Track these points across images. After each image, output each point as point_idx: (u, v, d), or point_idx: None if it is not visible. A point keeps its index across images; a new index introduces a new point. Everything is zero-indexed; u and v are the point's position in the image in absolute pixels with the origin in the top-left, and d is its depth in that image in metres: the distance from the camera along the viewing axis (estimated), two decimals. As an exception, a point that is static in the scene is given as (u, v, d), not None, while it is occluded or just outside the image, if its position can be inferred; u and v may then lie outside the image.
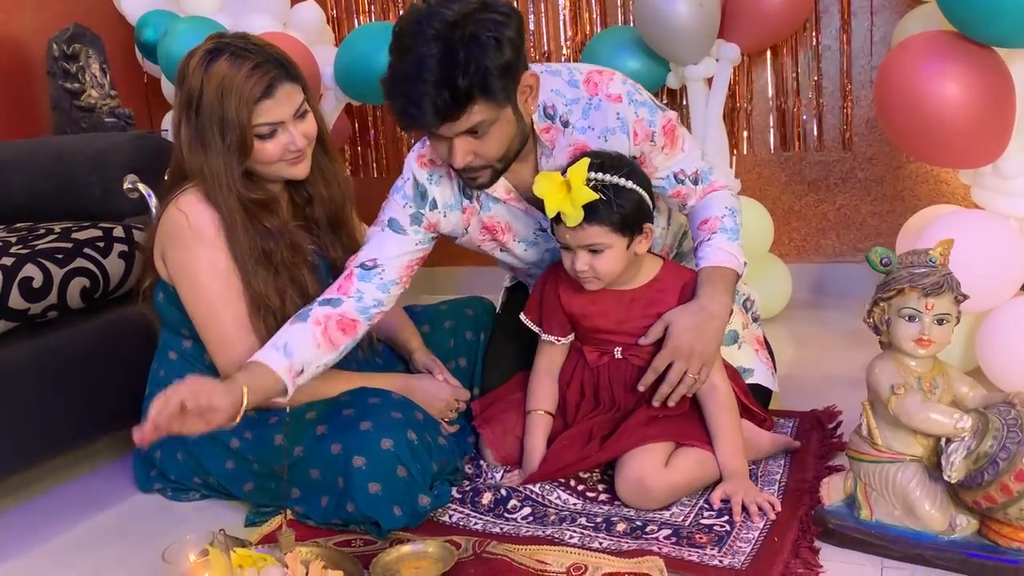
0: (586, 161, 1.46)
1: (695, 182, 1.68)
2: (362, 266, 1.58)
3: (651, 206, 1.54)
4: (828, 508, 1.39)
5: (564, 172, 1.47)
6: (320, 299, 1.55)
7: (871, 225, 2.76)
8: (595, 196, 1.44)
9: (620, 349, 1.60)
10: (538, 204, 1.53)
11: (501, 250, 1.75)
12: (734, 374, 1.67)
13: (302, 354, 1.46)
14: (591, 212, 1.45)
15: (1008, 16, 1.61)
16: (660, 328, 1.54)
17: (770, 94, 2.77)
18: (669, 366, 1.52)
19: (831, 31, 2.68)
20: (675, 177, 1.66)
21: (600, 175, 1.47)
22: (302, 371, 1.46)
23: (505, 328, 1.86)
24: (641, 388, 1.55)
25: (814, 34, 2.69)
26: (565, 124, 1.57)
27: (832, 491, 1.40)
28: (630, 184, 1.49)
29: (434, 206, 1.62)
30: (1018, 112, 1.79)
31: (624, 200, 1.48)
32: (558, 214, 1.47)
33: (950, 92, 1.71)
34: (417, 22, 1.39)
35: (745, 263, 1.63)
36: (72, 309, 1.79)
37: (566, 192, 1.45)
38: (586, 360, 1.62)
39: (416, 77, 1.37)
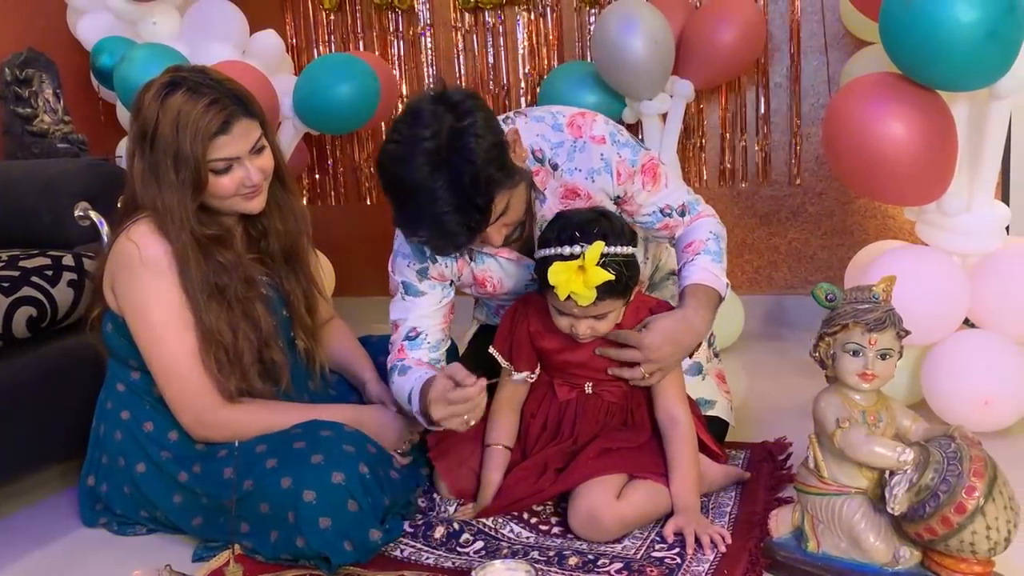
0: (600, 244, 1.42)
1: (682, 214, 1.69)
2: (407, 338, 1.64)
3: None
4: (777, 540, 1.40)
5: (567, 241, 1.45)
6: (395, 365, 1.63)
7: (821, 258, 2.82)
8: (610, 276, 1.42)
9: (591, 384, 1.60)
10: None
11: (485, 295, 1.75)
12: (693, 407, 1.67)
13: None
14: (603, 289, 1.43)
15: (950, 60, 1.67)
16: (636, 332, 1.54)
17: (722, 130, 2.83)
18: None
19: (781, 69, 2.75)
20: (661, 212, 1.67)
21: (611, 249, 1.44)
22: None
23: (465, 359, 1.86)
24: (598, 352, 1.56)
25: (765, 72, 2.76)
26: (554, 167, 1.59)
27: (780, 523, 1.42)
28: (631, 249, 1.48)
29: (434, 259, 1.62)
30: (960, 152, 1.85)
31: (631, 269, 1.48)
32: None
33: (895, 132, 1.76)
34: (401, 161, 1.39)
35: (728, 285, 1.65)
36: (18, 339, 1.75)
37: (580, 275, 1.41)
38: (555, 394, 1.62)
39: (434, 213, 1.39)
